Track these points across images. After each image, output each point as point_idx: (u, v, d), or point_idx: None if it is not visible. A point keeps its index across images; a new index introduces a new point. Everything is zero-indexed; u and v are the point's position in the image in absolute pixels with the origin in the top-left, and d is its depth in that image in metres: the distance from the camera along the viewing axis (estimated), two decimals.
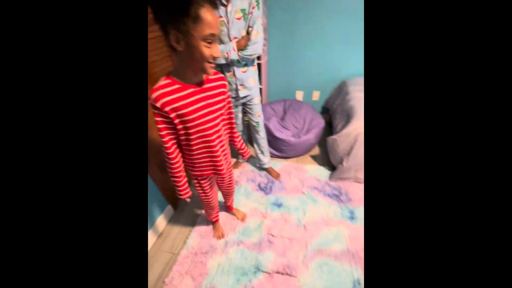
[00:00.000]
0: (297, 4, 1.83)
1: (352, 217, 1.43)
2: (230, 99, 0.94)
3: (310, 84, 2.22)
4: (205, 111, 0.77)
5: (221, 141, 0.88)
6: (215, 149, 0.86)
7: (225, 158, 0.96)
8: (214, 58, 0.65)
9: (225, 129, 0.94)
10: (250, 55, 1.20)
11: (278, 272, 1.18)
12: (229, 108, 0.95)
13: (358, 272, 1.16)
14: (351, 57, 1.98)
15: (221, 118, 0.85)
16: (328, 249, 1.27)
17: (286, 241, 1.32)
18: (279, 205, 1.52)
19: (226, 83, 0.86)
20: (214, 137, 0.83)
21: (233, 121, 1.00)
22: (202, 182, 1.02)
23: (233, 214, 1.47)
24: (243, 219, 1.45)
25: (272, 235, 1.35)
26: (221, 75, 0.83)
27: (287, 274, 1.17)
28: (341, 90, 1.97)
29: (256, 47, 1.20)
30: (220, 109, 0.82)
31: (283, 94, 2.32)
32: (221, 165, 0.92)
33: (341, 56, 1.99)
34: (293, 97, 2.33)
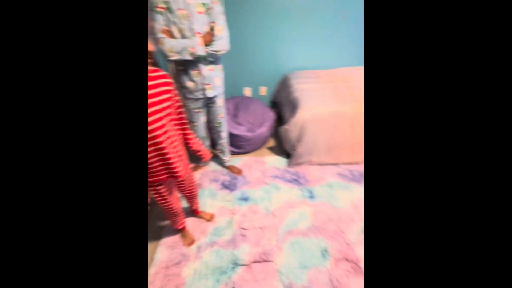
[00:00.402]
0: (240, 2, 1.90)
1: (311, 196, 1.58)
2: (178, 97, 0.90)
3: (257, 80, 2.31)
4: (148, 111, 0.73)
5: (172, 142, 0.85)
6: (166, 151, 0.82)
7: (181, 160, 0.92)
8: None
9: (176, 130, 0.91)
10: (217, 51, 1.17)
11: (255, 262, 1.21)
12: (178, 107, 0.91)
13: (324, 242, 1.30)
14: (292, 53, 2.17)
15: (169, 118, 0.81)
16: (296, 228, 1.38)
17: (258, 231, 1.36)
18: (246, 199, 1.56)
19: (171, 81, 0.83)
20: (162, 138, 0.79)
21: (185, 121, 0.96)
22: (159, 188, 0.95)
23: (201, 217, 1.43)
24: (211, 219, 1.42)
25: (244, 229, 1.37)
26: (163, 72, 0.80)
27: (264, 261, 1.22)
28: (284, 84, 2.13)
29: (223, 42, 1.17)
30: (166, 108, 0.78)
31: (232, 91, 2.35)
32: (176, 168, 0.88)
33: (283, 51, 2.16)
34: (241, 94, 2.38)
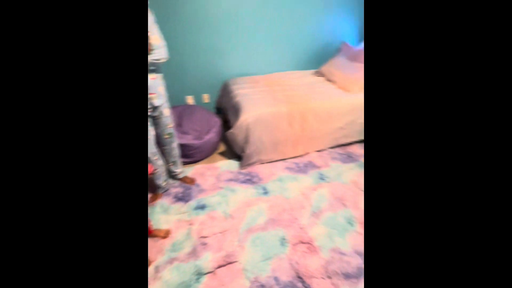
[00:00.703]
0: (174, 11, 1.87)
1: (265, 192, 1.68)
2: None
3: (198, 88, 2.31)
4: None
5: None
6: None
7: None
8: None
9: None
10: (158, 60, 1.18)
11: (220, 266, 1.21)
12: None
13: (281, 232, 1.41)
14: (230, 60, 2.26)
15: None
16: (256, 225, 1.44)
17: (219, 235, 1.37)
18: (203, 207, 1.54)
19: None
20: None
21: None
22: None
23: (155, 235, 1.33)
24: (166, 236, 1.35)
25: (204, 237, 1.35)
26: None
27: (228, 263, 1.23)
28: (225, 90, 2.20)
29: (162, 51, 1.19)
30: None
31: (173, 101, 2.27)
32: None
33: (222, 59, 2.23)
34: (183, 103, 2.34)
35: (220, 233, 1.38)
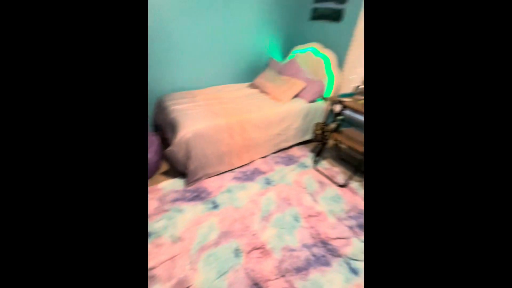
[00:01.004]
0: None
1: (215, 206, 1.65)
2: None
3: None
4: None
5: None
6: None
7: None
8: None
9: None
10: None
11: None
12: None
13: (235, 243, 1.41)
14: (163, 75, 2.17)
15: None
16: (208, 242, 1.40)
17: (168, 263, 1.26)
18: None
19: None
20: None
21: None
22: None
23: None
24: None
25: (151, 268, 1.22)
26: None
27: None
28: (160, 107, 2.10)
29: None
30: None
31: None
32: None
33: (155, 74, 2.12)
34: None
35: (169, 260, 1.28)
